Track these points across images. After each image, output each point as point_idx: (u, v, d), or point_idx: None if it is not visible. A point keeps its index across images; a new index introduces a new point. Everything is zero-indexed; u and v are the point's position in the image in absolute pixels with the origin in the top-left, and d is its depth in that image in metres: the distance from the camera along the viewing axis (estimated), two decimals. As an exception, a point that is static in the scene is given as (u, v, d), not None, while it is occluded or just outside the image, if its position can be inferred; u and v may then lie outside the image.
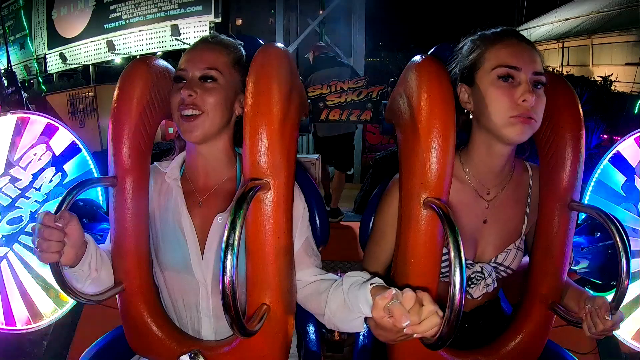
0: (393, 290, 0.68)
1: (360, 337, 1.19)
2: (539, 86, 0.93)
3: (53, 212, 0.82)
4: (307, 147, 5.43)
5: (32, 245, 0.82)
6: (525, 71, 0.91)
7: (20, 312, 1.39)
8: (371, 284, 0.81)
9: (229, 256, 0.71)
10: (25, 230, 1.38)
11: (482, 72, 0.95)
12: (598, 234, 1.24)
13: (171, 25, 6.49)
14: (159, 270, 1.03)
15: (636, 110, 4.29)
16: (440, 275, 0.92)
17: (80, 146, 1.39)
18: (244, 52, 1.04)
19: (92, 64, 7.76)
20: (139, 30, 6.95)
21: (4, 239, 1.37)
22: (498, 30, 0.98)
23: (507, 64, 0.92)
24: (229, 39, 1.04)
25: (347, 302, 0.86)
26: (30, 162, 1.38)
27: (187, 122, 0.94)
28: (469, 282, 1.02)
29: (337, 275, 0.99)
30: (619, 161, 1.32)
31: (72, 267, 0.89)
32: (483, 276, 1.02)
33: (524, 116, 0.90)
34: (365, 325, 0.88)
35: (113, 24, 7.18)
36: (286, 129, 0.87)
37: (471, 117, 0.99)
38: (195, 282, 0.99)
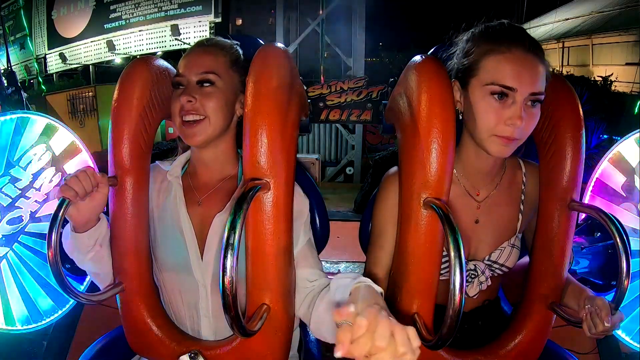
0: (351, 308, 0.56)
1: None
2: (535, 103, 0.88)
3: (53, 211, 0.83)
4: (307, 147, 5.43)
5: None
6: (521, 92, 0.86)
7: (20, 312, 1.39)
8: (355, 284, 0.72)
9: (229, 256, 0.71)
10: (26, 230, 1.38)
11: (476, 82, 0.90)
12: (598, 234, 1.24)
13: (171, 25, 6.51)
14: (158, 270, 1.03)
15: (636, 110, 4.28)
16: (440, 276, 0.92)
17: (80, 146, 1.39)
18: (241, 52, 1.03)
19: (92, 64, 7.78)
20: (139, 30, 6.97)
21: (4, 239, 1.37)
22: (502, 30, 0.90)
23: (502, 84, 0.86)
24: (224, 40, 1.03)
25: (332, 308, 0.82)
26: (30, 162, 1.38)
27: (189, 127, 0.94)
28: None
29: None
30: (619, 161, 1.32)
31: (78, 232, 0.92)
32: (476, 274, 1.02)
33: (508, 137, 0.88)
34: None
35: (113, 24, 7.20)
36: (286, 129, 0.87)
37: (461, 117, 0.96)
38: (195, 283, 0.99)
